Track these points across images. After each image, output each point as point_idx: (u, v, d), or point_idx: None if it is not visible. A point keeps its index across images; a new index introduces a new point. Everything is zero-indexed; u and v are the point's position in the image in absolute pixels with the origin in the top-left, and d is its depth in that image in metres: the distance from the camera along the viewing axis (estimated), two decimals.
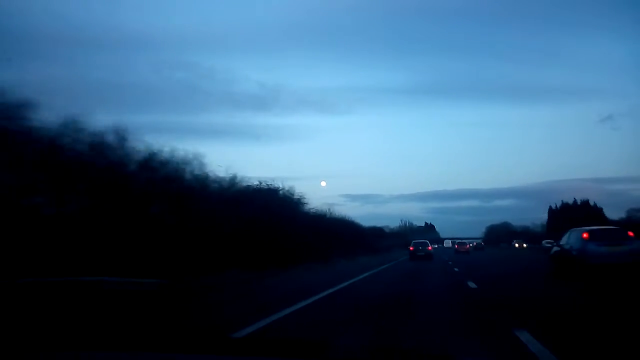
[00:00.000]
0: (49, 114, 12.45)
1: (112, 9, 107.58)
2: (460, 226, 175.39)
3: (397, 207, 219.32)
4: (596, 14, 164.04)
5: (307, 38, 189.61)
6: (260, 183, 25.26)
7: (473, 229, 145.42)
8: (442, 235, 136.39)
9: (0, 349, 2.08)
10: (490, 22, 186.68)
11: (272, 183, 26.31)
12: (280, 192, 26.81)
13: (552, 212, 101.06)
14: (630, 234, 14.34)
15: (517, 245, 79.39)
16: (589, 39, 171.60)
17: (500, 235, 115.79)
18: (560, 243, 16.45)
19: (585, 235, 14.33)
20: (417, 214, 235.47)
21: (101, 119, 16.74)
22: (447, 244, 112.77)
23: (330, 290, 11.94)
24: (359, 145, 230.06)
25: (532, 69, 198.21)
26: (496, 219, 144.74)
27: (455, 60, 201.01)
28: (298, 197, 28.82)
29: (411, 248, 35.85)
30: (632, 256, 13.36)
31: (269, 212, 21.17)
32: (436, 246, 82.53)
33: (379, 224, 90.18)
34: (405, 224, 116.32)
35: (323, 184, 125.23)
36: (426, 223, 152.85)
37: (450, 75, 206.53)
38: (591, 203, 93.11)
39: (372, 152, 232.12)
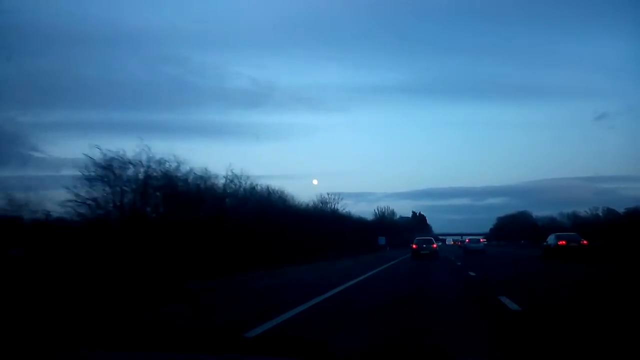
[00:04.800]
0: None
1: (98, 3, 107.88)
2: (454, 224, 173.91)
3: (390, 205, 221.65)
4: (593, 13, 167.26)
5: (301, 34, 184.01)
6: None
7: (469, 226, 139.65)
8: (435, 231, 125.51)
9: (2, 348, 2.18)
10: (484, 21, 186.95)
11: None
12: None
13: None
14: (482, 240, 43.66)
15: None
16: (584, 38, 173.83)
17: (513, 229, 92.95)
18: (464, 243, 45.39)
19: (467, 240, 43.67)
20: (410, 212, 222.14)
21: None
22: (449, 241, 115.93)
23: None
24: (352, 144, 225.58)
25: (527, 68, 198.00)
26: (504, 211, 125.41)
27: (449, 59, 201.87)
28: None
29: (414, 246, 36.21)
30: (479, 248, 42.39)
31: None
32: (440, 244, 72.18)
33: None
34: (383, 214, 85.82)
35: (315, 182, 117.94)
36: (414, 214, 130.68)
37: (444, 74, 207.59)
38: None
39: (365, 150, 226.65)
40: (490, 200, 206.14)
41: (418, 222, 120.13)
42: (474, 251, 40.70)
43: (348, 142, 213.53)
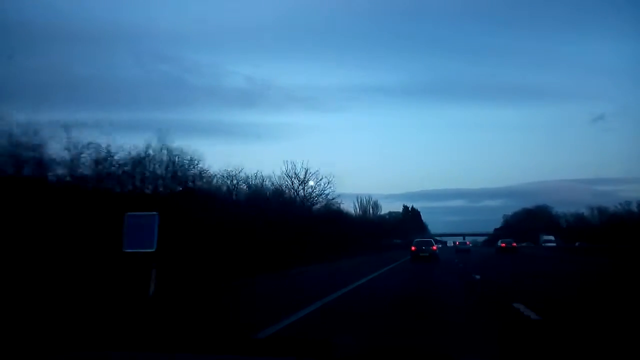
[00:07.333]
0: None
1: (95, 2, 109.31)
2: (455, 225, 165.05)
3: (387, 207, 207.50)
4: (591, 16, 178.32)
5: (298, 34, 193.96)
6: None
7: (472, 226, 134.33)
8: (434, 232, 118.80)
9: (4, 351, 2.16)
10: (482, 23, 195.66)
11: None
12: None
13: None
14: (468, 242, 58.88)
15: None
16: (581, 41, 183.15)
17: (531, 228, 74.46)
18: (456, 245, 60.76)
19: (457, 243, 58.09)
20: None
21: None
22: (450, 243, 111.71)
23: None
24: (348, 145, 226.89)
25: (523, 71, 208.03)
26: (505, 212, 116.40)
27: (446, 60, 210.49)
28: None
29: (413, 248, 35.35)
30: (467, 248, 55.59)
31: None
32: (440, 246, 67.50)
33: None
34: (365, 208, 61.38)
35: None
36: (406, 208, 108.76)
37: (442, 76, 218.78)
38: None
39: (361, 152, 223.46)
40: (488, 202, 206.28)
41: (410, 219, 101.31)
42: (463, 250, 56.68)
43: (344, 143, 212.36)
